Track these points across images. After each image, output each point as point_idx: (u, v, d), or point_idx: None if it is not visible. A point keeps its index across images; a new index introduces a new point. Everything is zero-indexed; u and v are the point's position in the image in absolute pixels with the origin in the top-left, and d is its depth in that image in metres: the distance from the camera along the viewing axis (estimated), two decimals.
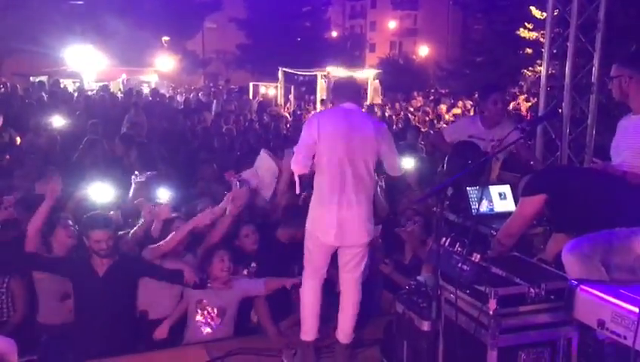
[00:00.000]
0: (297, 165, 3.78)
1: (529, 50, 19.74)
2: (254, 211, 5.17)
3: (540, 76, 8.16)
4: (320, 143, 3.75)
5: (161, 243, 4.33)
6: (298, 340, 3.97)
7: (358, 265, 3.91)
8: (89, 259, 4.13)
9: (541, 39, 12.35)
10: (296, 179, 3.93)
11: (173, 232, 4.36)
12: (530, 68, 19.64)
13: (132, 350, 4.13)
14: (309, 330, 3.90)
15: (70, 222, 4.52)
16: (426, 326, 3.24)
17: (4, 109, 11.09)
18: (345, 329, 3.92)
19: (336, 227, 3.76)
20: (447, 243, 3.13)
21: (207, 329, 4.25)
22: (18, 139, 9.00)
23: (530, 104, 15.50)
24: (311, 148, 3.77)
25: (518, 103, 16.40)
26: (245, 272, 4.56)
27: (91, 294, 4.08)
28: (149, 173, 5.32)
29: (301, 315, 3.95)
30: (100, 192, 4.94)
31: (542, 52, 7.85)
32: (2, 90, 14.99)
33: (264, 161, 5.31)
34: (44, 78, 17.45)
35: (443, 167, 4.60)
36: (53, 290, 4.37)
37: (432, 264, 3.37)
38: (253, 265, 4.61)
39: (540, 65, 11.67)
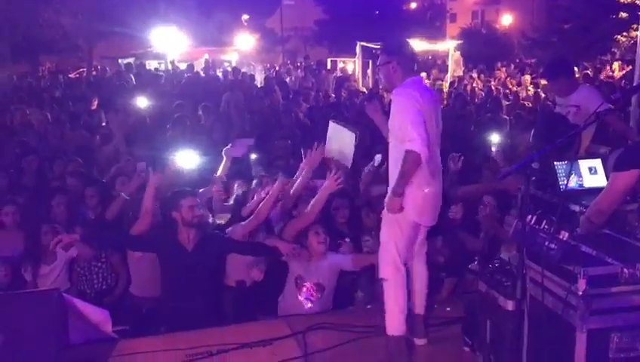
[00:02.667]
0: (424, 147, 3.43)
1: (623, 14, 18.47)
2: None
3: (635, 42, 7.61)
4: (424, 116, 3.55)
5: (251, 218, 4.43)
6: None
7: (425, 239, 3.95)
8: (176, 235, 4.25)
9: (637, 1, 11.51)
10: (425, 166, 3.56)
11: (260, 205, 4.42)
12: (624, 33, 18.39)
13: (220, 322, 4.25)
14: (402, 324, 3.70)
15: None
16: (510, 305, 3.15)
17: (98, 92, 11.69)
18: (421, 303, 3.92)
19: (438, 207, 3.79)
20: (533, 221, 3.01)
21: (309, 305, 4.33)
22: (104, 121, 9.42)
23: (624, 72, 14.56)
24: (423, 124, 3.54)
25: (612, 71, 15.44)
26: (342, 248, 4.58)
27: (180, 269, 4.21)
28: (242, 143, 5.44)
29: (392, 310, 3.70)
30: (185, 159, 5.14)
31: (638, 15, 7.31)
32: (94, 73, 15.78)
33: (338, 131, 5.26)
34: (131, 60, 18.17)
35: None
36: (146, 265, 4.55)
37: (516, 242, 3.24)
38: (348, 240, 4.61)
39: (636, 30, 10.89)
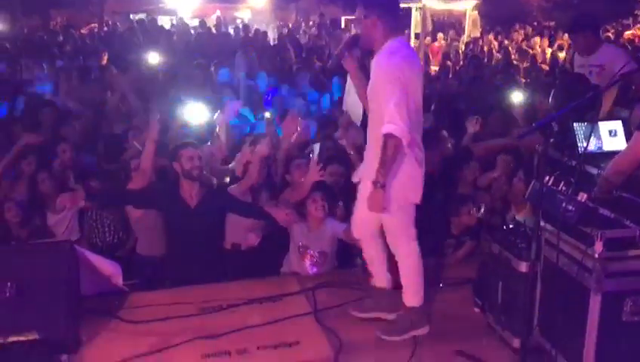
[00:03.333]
0: (407, 133, 3.14)
1: None
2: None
3: None
4: (408, 89, 3.20)
5: (243, 179, 4.44)
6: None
7: None
8: (178, 191, 4.24)
9: None
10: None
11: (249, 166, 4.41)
12: None
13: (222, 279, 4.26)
14: (420, 294, 3.54)
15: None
16: (523, 267, 3.12)
17: (108, 48, 11.57)
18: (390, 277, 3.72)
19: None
20: (550, 182, 2.95)
21: (315, 269, 4.32)
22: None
23: None
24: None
25: (634, 35, 15.06)
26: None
27: (184, 225, 4.21)
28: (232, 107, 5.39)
29: (414, 282, 3.50)
30: (193, 113, 5.09)
31: None
32: (105, 28, 15.60)
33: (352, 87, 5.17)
34: (142, 16, 17.92)
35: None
36: (148, 225, 4.54)
37: (532, 203, 3.19)
38: (341, 203, 4.57)
39: None
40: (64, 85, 7.67)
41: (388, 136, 3.13)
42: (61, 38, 12.85)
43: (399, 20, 3.49)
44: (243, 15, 21.31)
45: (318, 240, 4.30)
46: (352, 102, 4.49)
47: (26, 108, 6.76)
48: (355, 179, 3.62)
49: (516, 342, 3.20)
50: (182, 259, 4.24)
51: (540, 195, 2.93)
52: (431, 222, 4.49)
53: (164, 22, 16.84)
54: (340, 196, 4.55)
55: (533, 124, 3.32)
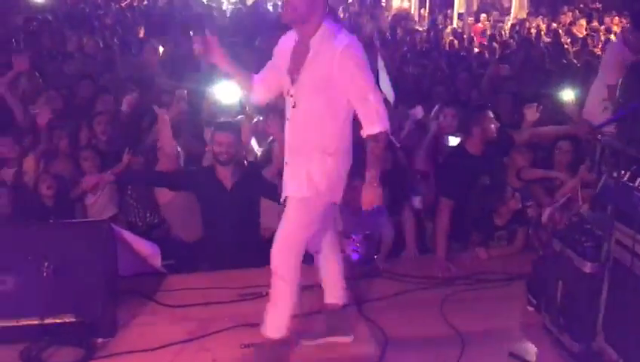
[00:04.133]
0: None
1: None
2: None
3: None
4: None
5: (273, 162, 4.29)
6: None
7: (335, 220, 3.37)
8: (215, 172, 4.13)
9: None
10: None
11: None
12: None
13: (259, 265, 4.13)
14: (287, 326, 3.05)
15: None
16: (588, 267, 2.89)
17: (146, 22, 11.50)
18: (338, 293, 3.31)
19: None
20: (626, 178, 2.70)
21: (356, 256, 4.14)
22: (161, 49, 9.24)
23: None
24: None
25: None
26: None
27: (220, 207, 4.10)
28: None
29: (281, 310, 3.02)
30: (225, 92, 4.94)
31: None
32: (145, 2, 15.53)
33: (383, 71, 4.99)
34: None
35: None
36: (181, 207, 4.43)
37: (602, 199, 2.94)
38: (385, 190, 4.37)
39: None
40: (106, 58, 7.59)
41: (379, 135, 2.78)
42: (102, 10, 12.82)
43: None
44: None
45: (360, 223, 4.12)
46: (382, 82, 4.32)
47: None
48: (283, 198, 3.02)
49: (576, 347, 2.99)
50: (218, 242, 4.13)
51: (612, 192, 2.68)
52: (476, 211, 4.31)
53: None
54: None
55: (611, 115, 3.05)
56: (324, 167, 2.85)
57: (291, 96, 2.86)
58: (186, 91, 4.98)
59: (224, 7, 15.27)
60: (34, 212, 4.17)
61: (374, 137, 2.78)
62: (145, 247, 3.65)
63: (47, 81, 6.33)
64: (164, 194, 4.44)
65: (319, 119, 2.82)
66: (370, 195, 2.85)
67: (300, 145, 2.89)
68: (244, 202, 4.13)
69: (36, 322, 3.05)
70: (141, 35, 10.55)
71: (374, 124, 2.77)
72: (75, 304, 3.07)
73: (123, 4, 14.45)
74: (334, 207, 3.10)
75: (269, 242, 4.22)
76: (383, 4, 17.05)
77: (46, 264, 3.09)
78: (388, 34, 11.67)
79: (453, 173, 4.33)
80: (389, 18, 14.32)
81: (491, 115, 4.40)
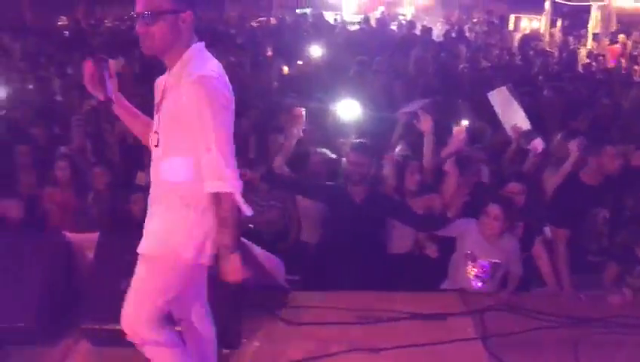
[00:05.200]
0: (239, 181, 2.34)
1: None
2: None
3: None
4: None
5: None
6: None
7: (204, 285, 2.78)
8: (346, 186, 4.19)
9: None
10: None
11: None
12: None
13: (380, 286, 4.05)
14: None
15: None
16: None
17: (274, 41, 11.91)
18: None
19: None
20: None
21: (479, 283, 4.00)
22: (285, 69, 9.53)
23: None
24: None
25: None
26: None
27: (348, 221, 4.11)
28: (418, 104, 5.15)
29: None
30: (347, 109, 4.99)
31: None
32: (272, 21, 16.15)
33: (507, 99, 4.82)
34: (307, 11, 18.32)
35: None
36: (314, 215, 4.51)
37: None
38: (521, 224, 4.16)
39: None
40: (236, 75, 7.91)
41: (224, 196, 2.30)
42: (234, 30, 13.47)
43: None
44: (406, 11, 21.01)
45: (491, 250, 3.96)
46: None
47: None
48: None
49: None
50: (342, 259, 4.12)
51: None
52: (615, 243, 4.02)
53: (329, 17, 17.05)
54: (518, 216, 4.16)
55: None
56: (186, 222, 2.37)
57: (156, 132, 2.45)
58: (304, 109, 5.06)
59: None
60: None
61: (215, 197, 2.31)
62: (270, 261, 3.71)
63: None
64: (302, 199, 4.61)
65: (168, 156, 2.38)
66: (228, 266, 2.35)
67: (160, 193, 2.43)
68: (372, 220, 4.13)
69: None
70: (269, 53, 10.94)
71: (213, 181, 2.29)
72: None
73: (253, 24, 15.13)
74: (203, 270, 2.55)
75: (392, 264, 4.27)
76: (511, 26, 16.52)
77: None
78: (517, 55, 11.25)
79: (567, 202, 4.15)
80: (519, 39, 13.82)
81: (613, 150, 4.13)
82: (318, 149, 4.88)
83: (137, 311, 2.42)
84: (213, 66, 2.33)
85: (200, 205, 2.36)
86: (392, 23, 16.13)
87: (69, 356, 3.26)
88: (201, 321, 2.71)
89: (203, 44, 2.43)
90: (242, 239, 3.53)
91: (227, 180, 2.28)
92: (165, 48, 2.36)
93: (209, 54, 2.42)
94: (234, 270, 2.36)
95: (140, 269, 2.43)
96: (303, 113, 4.96)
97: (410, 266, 4.34)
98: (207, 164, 2.28)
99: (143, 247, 2.42)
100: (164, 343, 2.46)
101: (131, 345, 2.75)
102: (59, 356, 3.25)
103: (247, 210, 2.34)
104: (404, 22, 16.54)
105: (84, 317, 3.20)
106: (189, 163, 2.34)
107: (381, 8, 18.79)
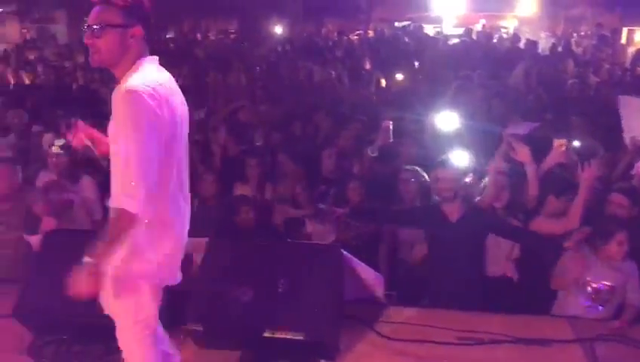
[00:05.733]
0: (147, 205, 2.24)
1: None
2: None
3: None
4: (164, 137, 2.33)
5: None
6: None
7: None
8: (440, 205, 4.10)
9: None
10: None
11: None
12: None
13: (477, 306, 3.94)
14: None
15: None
16: None
17: (373, 54, 11.96)
18: None
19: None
20: None
21: (592, 309, 3.78)
22: (383, 82, 9.54)
23: None
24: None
25: None
26: None
27: (444, 240, 4.04)
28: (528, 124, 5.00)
29: None
30: (446, 121, 5.00)
31: None
32: (370, 33, 16.24)
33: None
34: (407, 24, 18.25)
35: None
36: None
37: None
38: None
39: None
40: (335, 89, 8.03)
41: (121, 212, 2.23)
42: (331, 43, 13.68)
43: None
44: (509, 24, 20.46)
45: (607, 273, 3.75)
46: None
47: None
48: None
49: None
50: (441, 277, 4.06)
51: None
52: None
53: (428, 31, 16.91)
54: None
55: None
56: (135, 240, 2.32)
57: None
58: (390, 122, 5.07)
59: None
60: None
61: (114, 211, 2.24)
62: (370, 275, 3.71)
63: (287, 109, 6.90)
64: None
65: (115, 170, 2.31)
66: (78, 280, 2.23)
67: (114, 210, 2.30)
68: (470, 237, 4.03)
69: (268, 335, 3.23)
70: (367, 67, 11.01)
71: (119, 196, 2.22)
72: (304, 323, 3.21)
73: (352, 37, 15.28)
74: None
75: (493, 283, 4.15)
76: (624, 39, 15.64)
77: (282, 280, 3.29)
78: (630, 71, 10.63)
79: None
80: (632, 53, 13.04)
81: None
82: (409, 167, 4.80)
83: (120, 331, 2.57)
84: (149, 81, 2.28)
85: (153, 224, 2.34)
86: (494, 35, 15.76)
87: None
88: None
89: (154, 58, 2.45)
90: (344, 253, 3.59)
91: (133, 198, 2.19)
92: (112, 61, 2.39)
93: (156, 69, 2.42)
94: (80, 286, 2.24)
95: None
96: (390, 126, 4.98)
97: (505, 288, 4.20)
98: (121, 177, 2.23)
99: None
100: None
101: (235, 347, 2.87)
102: None
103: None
104: (505, 35, 16.11)
105: (190, 317, 3.31)
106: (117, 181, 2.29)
107: (482, 21, 18.38)
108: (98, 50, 2.36)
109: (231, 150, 5.62)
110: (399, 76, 9.28)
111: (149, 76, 2.32)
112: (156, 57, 2.45)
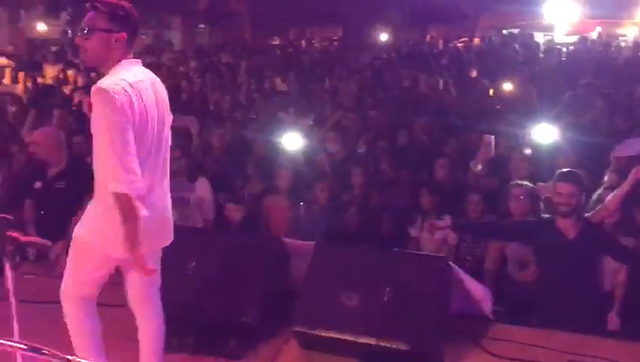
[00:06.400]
0: (139, 183, 2.55)
1: None
2: None
3: None
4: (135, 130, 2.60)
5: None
6: None
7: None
8: (554, 223, 3.93)
9: None
10: None
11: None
12: None
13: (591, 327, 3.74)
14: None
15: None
16: None
17: (480, 62, 11.66)
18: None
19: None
20: None
21: None
22: (490, 91, 9.28)
23: None
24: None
25: None
26: None
27: (558, 259, 3.86)
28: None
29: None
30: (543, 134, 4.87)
31: None
32: (476, 41, 15.87)
33: None
34: (515, 31, 17.68)
35: None
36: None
37: None
38: None
39: None
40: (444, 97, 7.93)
41: (117, 196, 2.51)
42: (436, 51, 13.50)
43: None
44: (627, 31, 19.28)
45: None
46: None
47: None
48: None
49: None
50: (553, 296, 3.90)
51: None
52: None
53: (539, 38, 16.29)
54: None
55: None
56: (95, 216, 2.69)
57: None
58: (492, 137, 4.92)
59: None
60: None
61: (115, 196, 2.52)
62: (478, 290, 3.63)
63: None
64: None
65: (96, 163, 2.62)
66: (132, 260, 2.59)
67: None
68: (586, 256, 3.86)
69: (372, 342, 3.24)
70: (474, 75, 10.75)
71: (111, 183, 2.51)
72: (409, 333, 3.19)
73: (458, 44, 15.00)
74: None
75: (606, 305, 3.94)
76: None
77: (387, 289, 3.29)
78: None
79: None
80: None
81: None
82: (519, 182, 4.63)
83: (64, 284, 2.80)
84: (119, 81, 2.54)
85: (104, 203, 2.59)
86: (612, 44, 14.93)
87: (279, 355, 3.48)
88: (147, 307, 2.96)
89: (137, 61, 2.73)
90: (452, 266, 3.53)
91: (122, 182, 2.48)
92: (98, 61, 2.70)
93: (133, 70, 2.67)
94: (137, 264, 2.60)
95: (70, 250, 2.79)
96: (492, 141, 4.84)
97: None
98: (107, 166, 2.53)
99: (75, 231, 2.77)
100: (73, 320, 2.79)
101: (338, 352, 2.89)
102: (270, 353, 3.49)
103: (144, 211, 2.54)
104: (624, 43, 15.20)
105: (297, 320, 3.38)
106: (96, 166, 2.62)
107: (598, 29, 17.45)
108: (85, 50, 2.68)
109: (337, 155, 5.68)
110: (508, 85, 9.00)
111: (122, 76, 2.59)
112: (139, 60, 2.76)
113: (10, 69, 9.84)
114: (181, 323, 3.51)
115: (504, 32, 17.92)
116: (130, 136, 2.51)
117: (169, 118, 2.82)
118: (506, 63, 10.89)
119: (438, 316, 3.28)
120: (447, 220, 4.50)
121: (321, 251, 3.54)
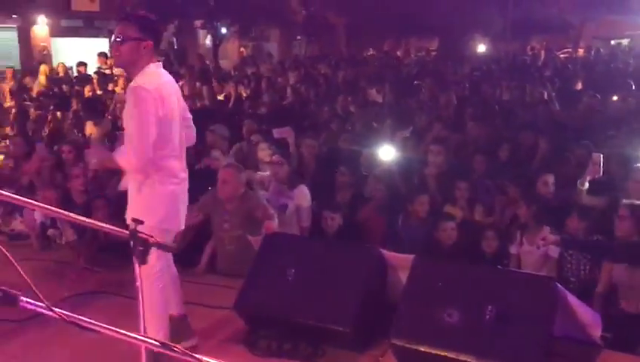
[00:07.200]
0: (142, 160, 3.12)
1: None
2: None
3: None
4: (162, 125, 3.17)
5: None
6: None
7: None
8: None
9: None
10: None
11: None
12: None
13: None
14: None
15: None
16: None
17: (586, 73, 11.12)
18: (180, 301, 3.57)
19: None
20: None
21: None
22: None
23: None
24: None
25: None
26: None
27: None
28: None
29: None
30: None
31: None
32: (581, 51, 15.15)
33: None
34: (624, 41, 16.79)
35: None
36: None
37: None
38: None
39: None
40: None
41: (128, 154, 3.14)
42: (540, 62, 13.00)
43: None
44: None
45: None
46: None
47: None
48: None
49: None
50: None
51: None
52: None
53: None
54: None
55: None
56: (140, 195, 3.20)
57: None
58: (601, 155, 4.68)
59: None
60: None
61: (120, 159, 3.18)
62: (586, 314, 3.44)
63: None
64: None
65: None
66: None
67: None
68: None
69: (473, 361, 3.15)
70: (579, 87, 10.29)
71: (122, 158, 3.15)
72: (511, 353, 3.08)
73: (561, 55, 14.40)
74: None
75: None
76: None
77: (489, 307, 3.18)
78: None
79: None
80: None
81: None
82: (627, 201, 4.37)
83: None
84: (149, 82, 3.06)
85: (148, 181, 3.16)
86: None
87: None
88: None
89: (159, 64, 3.23)
90: (559, 286, 3.37)
91: (129, 162, 3.14)
92: (129, 64, 3.19)
93: (159, 72, 3.19)
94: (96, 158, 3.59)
95: None
96: (601, 159, 4.62)
97: None
98: (126, 147, 3.11)
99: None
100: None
101: None
102: None
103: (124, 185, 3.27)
104: None
105: (395, 333, 3.35)
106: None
107: None
108: (119, 55, 3.19)
109: (439, 169, 5.59)
110: (616, 98, 8.53)
111: (153, 77, 3.12)
112: (160, 63, 3.26)
113: (123, 78, 10.42)
114: (280, 327, 3.60)
115: (612, 42, 17.05)
116: (154, 129, 3.02)
117: (187, 114, 3.41)
118: (615, 76, 10.32)
119: (542, 338, 3.13)
120: (548, 235, 4.34)
121: (421, 264, 3.49)
